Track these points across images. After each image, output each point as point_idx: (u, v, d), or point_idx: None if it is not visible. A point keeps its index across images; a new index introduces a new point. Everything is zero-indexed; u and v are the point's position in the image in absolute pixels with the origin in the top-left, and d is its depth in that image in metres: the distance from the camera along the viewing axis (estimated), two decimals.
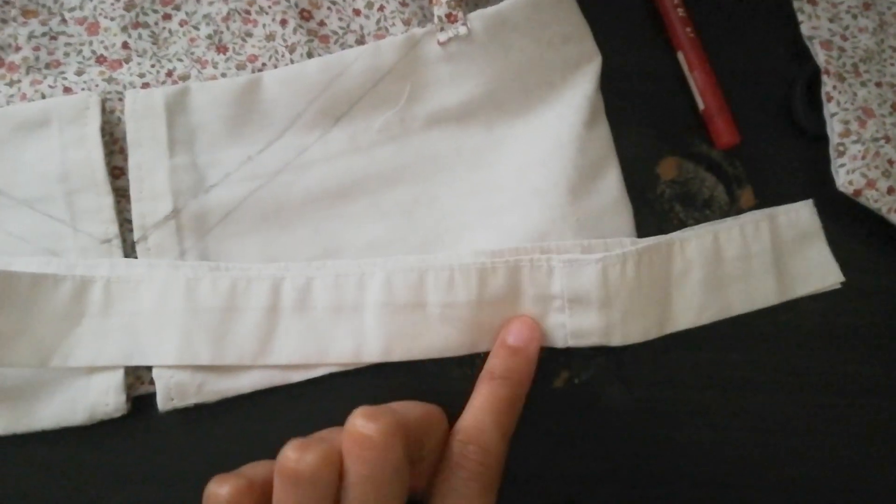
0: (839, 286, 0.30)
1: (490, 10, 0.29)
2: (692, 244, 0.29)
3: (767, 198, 0.31)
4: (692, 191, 0.31)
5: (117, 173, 0.29)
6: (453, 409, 0.28)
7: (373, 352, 0.27)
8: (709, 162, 0.31)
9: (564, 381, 0.29)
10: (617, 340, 0.27)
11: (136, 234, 0.28)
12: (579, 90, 0.30)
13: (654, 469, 0.29)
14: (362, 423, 0.22)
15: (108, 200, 0.28)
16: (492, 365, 0.27)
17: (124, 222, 0.29)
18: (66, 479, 0.27)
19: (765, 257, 0.29)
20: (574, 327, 0.27)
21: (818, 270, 0.30)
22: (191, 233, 0.28)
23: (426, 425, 0.24)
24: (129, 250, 0.28)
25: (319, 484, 0.21)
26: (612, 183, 0.29)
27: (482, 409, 0.25)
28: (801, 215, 0.30)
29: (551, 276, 0.27)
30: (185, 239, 0.28)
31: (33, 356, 0.26)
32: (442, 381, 0.29)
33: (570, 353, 0.29)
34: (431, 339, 0.27)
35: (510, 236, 0.29)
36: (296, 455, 0.21)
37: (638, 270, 0.27)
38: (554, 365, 0.29)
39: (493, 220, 0.29)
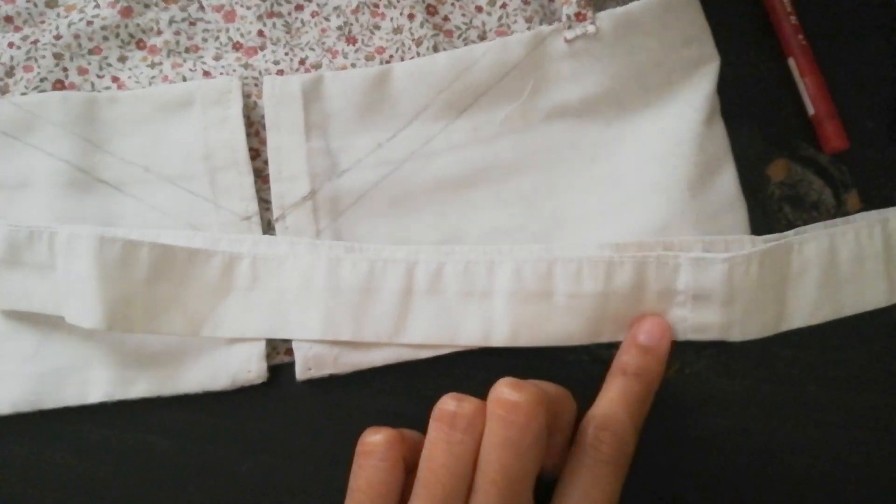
0: None
1: (620, 10, 0.30)
2: (810, 246, 0.29)
3: (872, 202, 0.32)
4: (801, 193, 0.32)
5: (253, 154, 0.31)
6: (569, 391, 0.29)
7: (500, 337, 0.28)
8: (816, 166, 0.32)
9: (675, 371, 0.30)
10: (736, 336, 0.28)
11: (276, 213, 0.29)
12: (699, 90, 0.31)
13: (757, 462, 0.30)
14: (509, 390, 0.24)
15: (248, 179, 0.30)
16: (623, 361, 0.28)
17: (261, 201, 0.30)
18: (195, 443, 0.29)
19: (877, 260, 0.30)
20: (695, 322, 0.28)
21: None
22: (326, 214, 0.30)
23: (561, 403, 0.26)
24: (266, 228, 0.30)
25: (473, 430, 0.23)
26: (728, 180, 0.30)
27: (616, 401, 0.26)
28: None
29: (677, 273, 0.28)
30: (321, 219, 0.30)
31: (186, 326, 0.27)
32: (557, 364, 0.30)
33: (682, 343, 0.30)
34: (557, 328, 0.28)
35: (630, 229, 0.30)
36: (455, 402, 0.24)
37: (761, 271, 0.28)
38: None
39: (613, 212, 0.30)
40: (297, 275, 0.28)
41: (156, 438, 0.29)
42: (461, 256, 0.29)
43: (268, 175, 0.30)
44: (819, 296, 0.29)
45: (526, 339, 0.28)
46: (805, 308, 0.29)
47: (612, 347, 0.29)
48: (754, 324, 0.28)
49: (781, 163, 0.32)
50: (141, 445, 0.29)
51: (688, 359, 0.30)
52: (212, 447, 0.29)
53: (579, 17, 0.30)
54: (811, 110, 0.32)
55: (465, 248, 0.29)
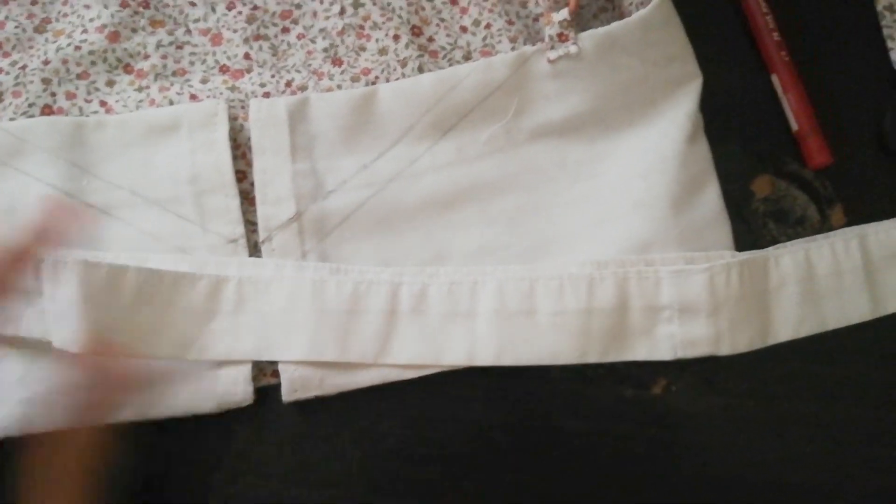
0: None
1: (601, 30, 0.30)
2: (785, 259, 0.30)
3: (856, 217, 0.32)
4: (785, 208, 0.32)
5: (239, 177, 0.31)
6: (555, 409, 0.29)
7: (485, 357, 0.28)
8: (801, 181, 0.32)
9: (662, 388, 0.30)
10: (725, 349, 0.28)
11: (262, 235, 0.30)
12: (681, 108, 0.31)
13: (742, 477, 0.30)
14: None
15: (235, 202, 0.30)
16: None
17: (247, 223, 0.30)
18: (183, 465, 0.29)
19: (856, 274, 0.30)
20: (684, 337, 0.28)
21: None
22: (311, 235, 0.30)
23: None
24: (253, 250, 0.30)
25: None
26: (712, 197, 0.31)
27: None
28: (891, 235, 0.31)
29: (659, 287, 0.28)
30: (307, 241, 0.30)
31: (173, 349, 0.28)
32: (544, 382, 0.30)
33: (666, 362, 0.30)
34: (541, 346, 0.28)
35: (615, 246, 0.30)
36: None
37: (741, 281, 0.28)
38: (653, 371, 0.30)
39: (597, 230, 0.30)
40: (283, 297, 0.28)
41: (143, 461, 0.29)
42: (445, 278, 0.29)
43: (254, 197, 0.30)
44: (801, 309, 0.29)
45: (511, 359, 0.28)
46: (789, 321, 0.29)
47: (600, 367, 0.29)
48: (742, 336, 0.29)
49: (766, 178, 0.32)
50: (127, 468, 0.29)
51: (674, 376, 0.30)
52: (199, 469, 0.29)
53: (562, 37, 0.30)
54: (795, 126, 0.33)
55: (448, 269, 0.29)
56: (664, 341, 0.28)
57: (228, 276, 0.29)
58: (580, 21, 0.33)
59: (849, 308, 0.30)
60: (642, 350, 0.28)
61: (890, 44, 0.33)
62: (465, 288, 0.29)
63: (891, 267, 0.31)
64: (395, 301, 0.29)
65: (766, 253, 0.30)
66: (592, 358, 0.28)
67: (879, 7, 0.34)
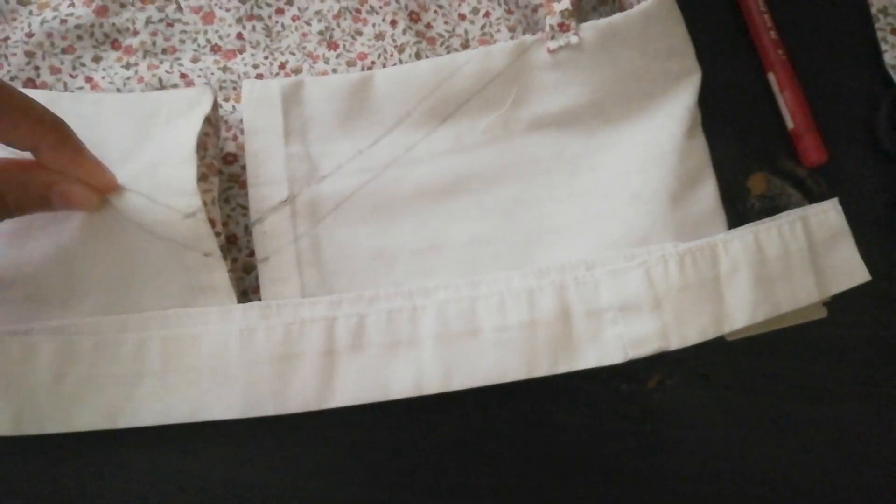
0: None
1: (603, 21, 0.30)
2: (735, 244, 0.29)
3: (850, 215, 0.32)
4: (780, 206, 0.32)
5: (230, 160, 0.30)
6: (551, 405, 0.29)
7: (433, 383, 0.27)
8: (795, 179, 0.33)
9: (656, 383, 0.30)
10: (675, 342, 0.27)
11: (253, 217, 0.29)
12: (680, 102, 0.31)
13: (738, 472, 0.30)
14: None
15: (189, 172, 0.27)
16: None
17: (237, 206, 0.29)
18: None
19: (803, 256, 0.29)
20: (631, 336, 0.27)
21: (848, 269, 0.30)
22: (304, 219, 0.29)
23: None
24: (243, 232, 0.29)
25: None
26: (709, 192, 0.30)
27: None
28: (829, 216, 0.30)
29: (598, 290, 0.28)
30: (299, 225, 0.29)
31: (103, 418, 0.26)
32: (540, 377, 0.30)
33: (661, 357, 0.29)
34: (490, 365, 0.27)
35: (610, 240, 0.29)
36: None
37: (682, 270, 0.28)
38: (648, 366, 0.30)
39: (594, 223, 0.30)
40: (210, 352, 0.27)
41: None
42: (384, 305, 0.28)
43: (244, 180, 0.29)
44: (755, 293, 0.28)
45: (460, 382, 0.27)
46: (744, 306, 0.28)
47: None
48: (692, 327, 0.28)
49: (761, 176, 0.33)
50: None
51: (669, 370, 0.30)
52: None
53: (563, 27, 0.30)
54: (790, 124, 0.33)
55: (389, 290, 0.28)
56: (613, 343, 0.27)
57: (153, 335, 0.27)
58: (580, 13, 0.33)
59: (799, 290, 0.29)
60: (592, 356, 0.27)
61: (883, 45, 0.34)
62: (404, 315, 0.27)
63: (831, 248, 0.30)
64: (332, 339, 0.27)
65: (714, 239, 0.29)
66: (542, 371, 0.27)
67: (873, 10, 0.34)
